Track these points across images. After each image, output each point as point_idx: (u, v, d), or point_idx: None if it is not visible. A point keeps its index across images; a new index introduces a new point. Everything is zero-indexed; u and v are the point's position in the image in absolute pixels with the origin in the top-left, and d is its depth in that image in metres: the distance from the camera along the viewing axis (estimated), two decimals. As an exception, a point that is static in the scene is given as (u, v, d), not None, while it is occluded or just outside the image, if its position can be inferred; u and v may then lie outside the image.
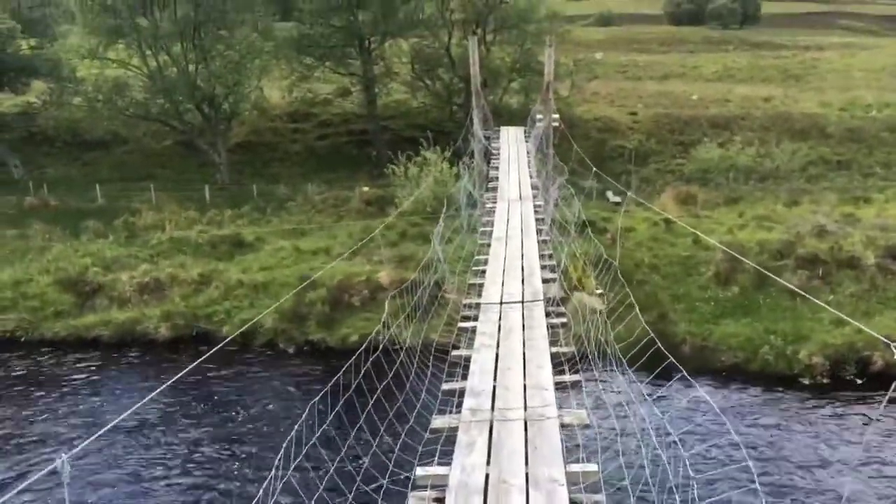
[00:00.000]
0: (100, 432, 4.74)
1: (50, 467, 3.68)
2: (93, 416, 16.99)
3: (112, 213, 32.83)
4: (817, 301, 9.16)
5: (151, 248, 27.86)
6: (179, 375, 5.63)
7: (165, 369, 19.87)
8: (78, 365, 20.42)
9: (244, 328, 11.21)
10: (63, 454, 3.59)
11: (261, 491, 4.60)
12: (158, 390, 5.76)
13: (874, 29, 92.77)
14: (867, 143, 42.14)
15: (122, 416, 4.83)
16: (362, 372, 6.58)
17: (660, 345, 6.39)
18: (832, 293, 20.85)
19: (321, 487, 5.52)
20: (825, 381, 17.76)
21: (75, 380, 19.35)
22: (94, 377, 19.57)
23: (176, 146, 42.89)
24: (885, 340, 4.53)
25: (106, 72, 41.42)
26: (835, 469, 13.51)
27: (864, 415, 16.01)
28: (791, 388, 17.48)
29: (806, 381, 17.79)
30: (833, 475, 13.24)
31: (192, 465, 14.30)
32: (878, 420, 15.35)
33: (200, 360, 6.24)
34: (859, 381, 17.55)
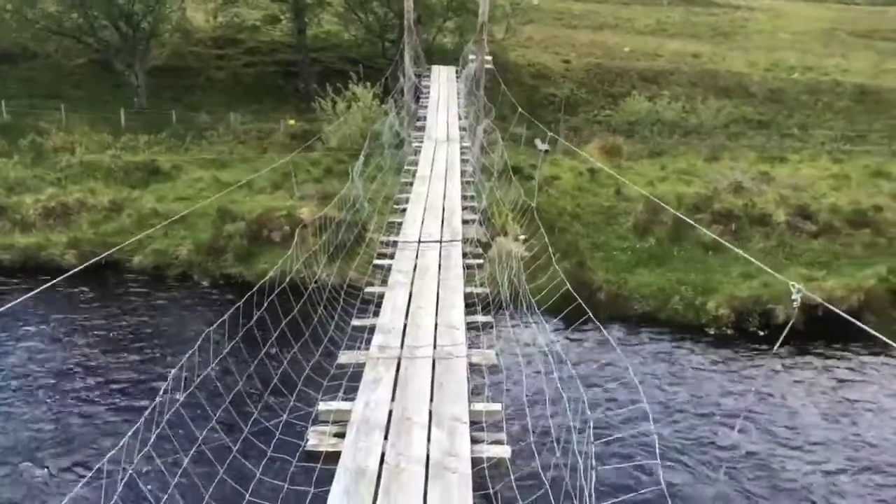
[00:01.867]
0: None
1: None
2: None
3: (18, 131, 30.95)
4: (735, 248, 9.38)
5: (60, 171, 26.45)
6: (22, 299, 5.27)
7: (70, 296, 19.11)
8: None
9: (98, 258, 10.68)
10: None
11: (145, 413, 4.36)
12: (16, 302, 5.34)
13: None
14: (787, 104, 43.42)
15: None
16: (265, 303, 6.35)
17: (570, 288, 6.41)
18: (742, 248, 21.55)
19: (214, 418, 5.33)
20: (730, 331, 18.45)
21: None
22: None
23: (90, 65, 40.52)
24: (792, 283, 4.62)
25: (15, -20, 38.52)
26: (728, 411, 14.14)
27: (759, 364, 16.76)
28: (698, 336, 18.11)
29: (712, 331, 18.45)
30: (726, 418, 13.85)
31: (74, 394, 13.85)
32: (775, 355, 16.09)
33: (59, 279, 5.85)
34: (762, 333, 18.31)
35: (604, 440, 5.72)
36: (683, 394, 14.86)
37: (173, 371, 4.73)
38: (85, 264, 6.29)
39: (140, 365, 15.19)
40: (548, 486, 4.85)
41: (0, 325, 17.30)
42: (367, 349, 7.08)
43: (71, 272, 5.95)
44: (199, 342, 5.07)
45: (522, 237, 18.81)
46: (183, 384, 4.89)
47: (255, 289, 6.28)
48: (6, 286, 19.83)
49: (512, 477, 4.98)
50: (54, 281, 5.53)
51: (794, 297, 4.35)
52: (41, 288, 5.23)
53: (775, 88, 44.66)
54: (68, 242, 21.44)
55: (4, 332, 16.91)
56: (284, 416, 5.72)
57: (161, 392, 4.58)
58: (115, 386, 14.25)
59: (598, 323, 6.48)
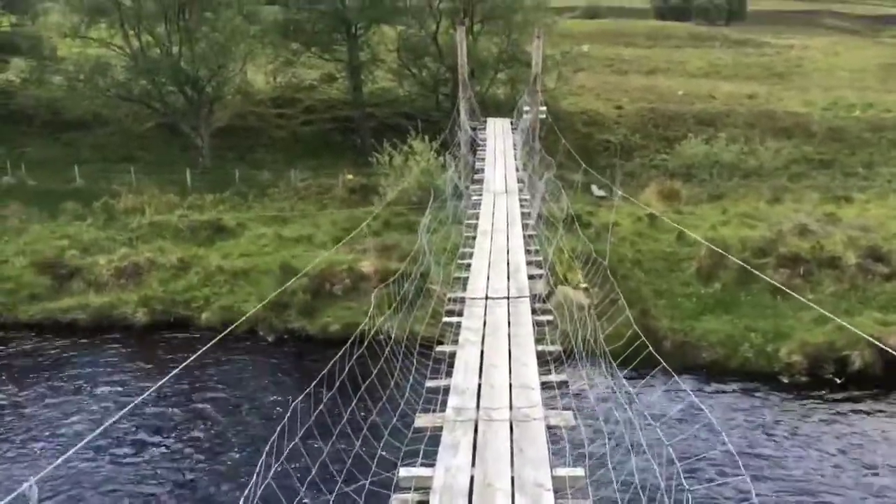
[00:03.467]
0: (72, 451, 4.57)
1: (18, 490, 3.48)
2: (69, 408, 16.65)
3: (91, 194, 32.31)
4: (801, 297, 9.11)
5: (130, 232, 27.47)
6: (168, 378, 5.46)
7: (143, 357, 19.62)
8: (53, 350, 20.07)
9: (237, 324, 10.92)
10: (32, 478, 3.41)
11: (246, 491, 4.46)
12: (143, 397, 5.57)
13: (858, 29, 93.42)
14: (849, 142, 42.44)
15: (95, 433, 4.65)
16: (346, 368, 6.43)
17: (651, 349, 6.29)
18: (812, 292, 20.93)
19: (304, 487, 5.38)
20: (804, 379, 17.84)
21: (52, 367, 19.02)
22: (72, 363, 19.25)
23: (158, 128, 42.25)
24: (868, 338, 4.46)
25: (87, 51, 40.71)
26: (853, 475, 13.47)
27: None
28: (771, 385, 17.53)
29: (785, 380, 17.87)
30: (853, 481, 13.20)
31: (166, 465, 14.06)
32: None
33: (196, 354, 6.05)
34: (838, 381, 17.64)
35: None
36: (778, 457, 14.28)
37: (265, 451, 4.81)
38: (226, 331, 6.45)
39: (224, 432, 15.36)
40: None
41: (80, 383, 17.86)
42: (443, 411, 7.05)
43: (219, 337, 6.16)
44: (287, 414, 5.16)
45: (584, 285, 18.65)
46: (275, 455, 4.96)
47: (335, 358, 6.36)
48: (82, 345, 20.50)
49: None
50: (217, 338, 5.73)
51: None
52: (209, 344, 5.43)
53: (836, 127, 43.76)
54: (139, 300, 22.12)
55: (88, 390, 17.43)
56: (366, 483, 5.72)
57: (258, 467, 4.65)
58: (201, 456, 14.41)
59: (682, 384, 6.35)
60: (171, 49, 39.21)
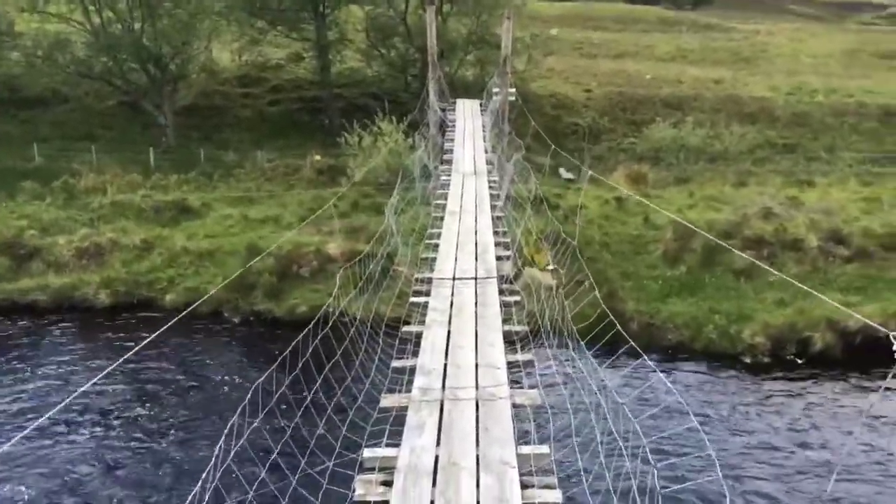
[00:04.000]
0: (24, 432, 4.43)
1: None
2: (28, 390, 16.29)
3: (51, 173, 31.55)
4: (779, 273, 9.15)
5: (92, 212, 26.89)
6: (129, 355, 5.31)
7: (105, 338, 19.27)
8: (11, 331, 19.63)
9: (198, 303, 10.71)
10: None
11: (204, 474, 4.36)
12: (104, 373, 5.42)
13: (823, 15, 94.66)
14: (812, 127, 43.08)
15: (53, 411, 4.51)
16: (310, 349, 6.34)
17: (619, 327, 6.30)
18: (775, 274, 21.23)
19: (265, 469, 5.29)
20: (766, 359, 18.12)
21: (10, 347, 18.60)
22: (31, 346, 18.83)
23: (120, 106, 41.33)
24: (885, 330, 4.46)
25: (46, 26, 39.57)
26: (820, 456, 13.69)
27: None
28: (734, 366, 17.80)
29: (748, 360, 18.13)
30: (817, 463, 13.41)
31: (128, 444, 13.84)
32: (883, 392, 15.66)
33: (156, 334, 5.91)
34: (799, 361, 17.96)
35: (669, 489, 5.57)
36: (732, 427, 14.53)
37: (224, 432, 4.71)
38: (186, 310, 6.33)
39: (186, 414, 15.16)
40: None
41: (39, 365, 17.49)
42: (409, 391, 7.01)
43: (182, 314, 6.02)
44: (248, 395, 5.06)
45: (551, 267, 18.71)
46: (234, 438, 4.86)
47: (299, 338, 6.26)
48: (42, 326, 20.08)
49: (566, 524, 4.86)
50: (177, 318, 5.64)
51: (896, 347, 4.14)
52: (169, 324, 5.32)
53: (799, 112, 44.38)
54: (101, 282, 21.70)
55: (47, 372, 17.07)
56: (330, 464, 5.66)
57: (216, 451, 4.55)
58: (163, 436, 14.22)
59: (651, 363, 6.36)
60: (132, 25, 38.29)
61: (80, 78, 39.04)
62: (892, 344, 4.04)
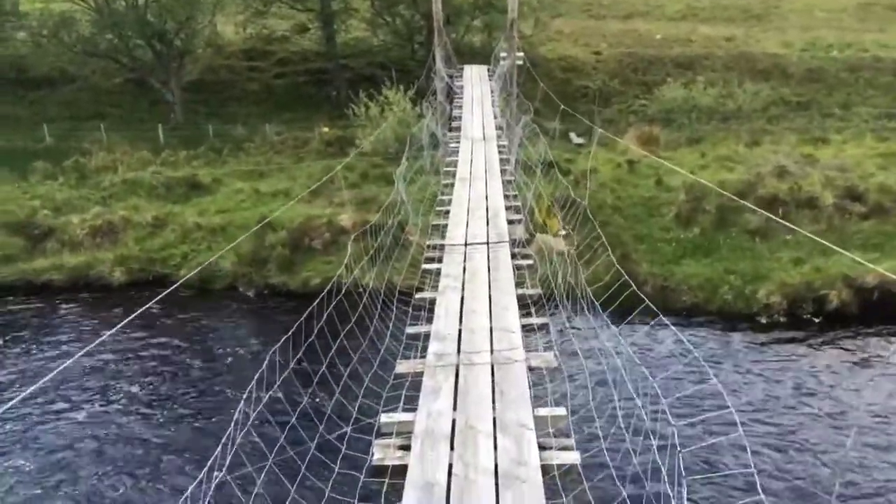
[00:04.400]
0: (16, 399, 4.46)
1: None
2: (41, 364, 16.51)
3: (61, 153, 31.64)
4: (797, 229, 9.04)
5: (103, 191, 27.00)
6: (129, 319, 5.33)
7: (120, 315, 19.41)
8: (28, 310, 19.82)
9: (198, 270, 10.77)
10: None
11: (224, 439, 4.39)
12: (100, 340, 5.44)
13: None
14: (827, 83, 42.39)
15: (48, 377, 4.53)
16: (324, 317, 6.33)
17: (634, 286, 6.24)
18: (791, 232, 21.04)
19: (282, 437, 5.32)
20: (782, 319, 18.03)
21: (26, 325, 18.79)
22: (47, 323, 19.02)
23: (127, 84, 41.27)
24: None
25: (51, 6, 39.45)
26: (829, 421, 13.66)
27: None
28: (750, 326, 17.72)
29: (763, 320, 18.05)
30: (834, 418, 13.38)
31: (145, 417, 14.01)
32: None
33: (152, 302, 5.93)
34: (816, 320, 17.86)
35: (689, 447, 5.56)
36: (754, 385, 14.52)
37: (243, 396, 4.73)
38: (183, 278, 6.31)
39: (204, 384, 15.32)
40: (625, 494, 4.71)
41: (59, 341, 17.69)
42: (424, 357, 7.00)
43: (176, 284, 6.04)
44: (265, 363, 5.06)
45: (563, 232, 18.63)
46: (253, 404, 4.89)
47: (313, 305, 6.26)
48: (58, 305, 20.26)
49: (585, 484, 4.85)
50: (168, 290, 5.66)
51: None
52: (160, 297, 5.34)
53: (813, 68, 43.64)
54: (115, 260, 21.83)
55: (64, 348, 17.27)
56: (348, 430, 5.67)
57: (235, 416, 4.57)
58: (182, 406, 14.40)
59: (666, 320, 6.31)
60: (136, 1, 38.03)
61: (87, 56, 38.94)
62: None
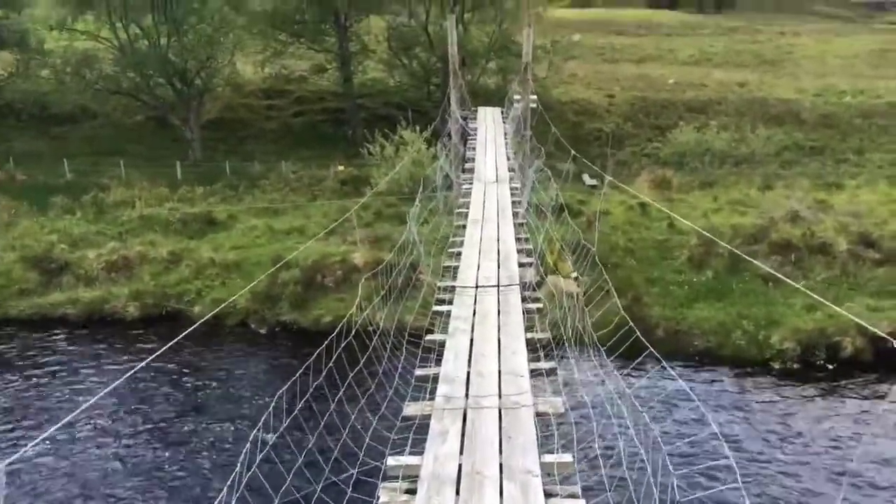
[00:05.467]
0: (45, 434, 4.54)
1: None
2: (57, 400, 16.59)
3: (80, 188, 32.15)
4: (794, 283, 9.12)
5: (121, 226, 27.37)
6: (146, 362, 5.41)
7: (135, 350, 19.53)
8: (44, 345, 19.98)
9: (217, 310, 10.86)
10: (1, 462, 3.35)
11: (230, 480, 4.44)
12: (122, 378, 5.53)
13: (849, 15, 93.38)
14: (840, 129, 42.51)
15: (63, 421, 4.61)
16: (333, 358, 6.40)
17: (639, 334, 6.28)
18: (804, 278, 20.97)
19: (287, 480, 5.35)
20: (796, 366, 17.87)
21: (42, 361, 18.92)
22: (61, 358, 19.15)
23: (147, 121, 42.05)
24: (888, 337, 4.41)
25: (74, 44, 40.46)
26: (830, 470, 13.49)
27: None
28: (763, 373, 17.57)
29: (777, 366, 17.90)
30: (829, 476, 13.21)
31: (157, 453, 14.03)
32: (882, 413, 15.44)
33: (173, 342, 6.01)
34: (830, 367, 17.69)
35: (688, 498, 5.55)
36: (766, 443, 14.31)
37: (250, 438, 4.79)
38: (203, 318, 6.42)
39: (211, 422, 15.34)
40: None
41: (70, 377, 17.79)
42: (433, 399, 7.02)
43: (202, 320, 6.12)
44: (272, 406, 5.12)
45: (574, 275, 18.63)
46: (259, 445, 4.94)
47: (322, 346, 6.33)
48: (73, 339, 20.41)
49: (590, 533, 4.84)
50: (195, 325, 5.75)
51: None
52: (187, 332, 5.44)
53: (827, 113, 43.83)
54: (130, 295, 22.02)
55: (82, 384, 17.36)
56: (354, 472, 5.69)
57: (241, 457, 4.62)
58: (191, 444, 14.41)
59: (671, 371, 6.33)
60: (158, 41, 38.96)
61: (109, 94, 39.78)
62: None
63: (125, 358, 19.11)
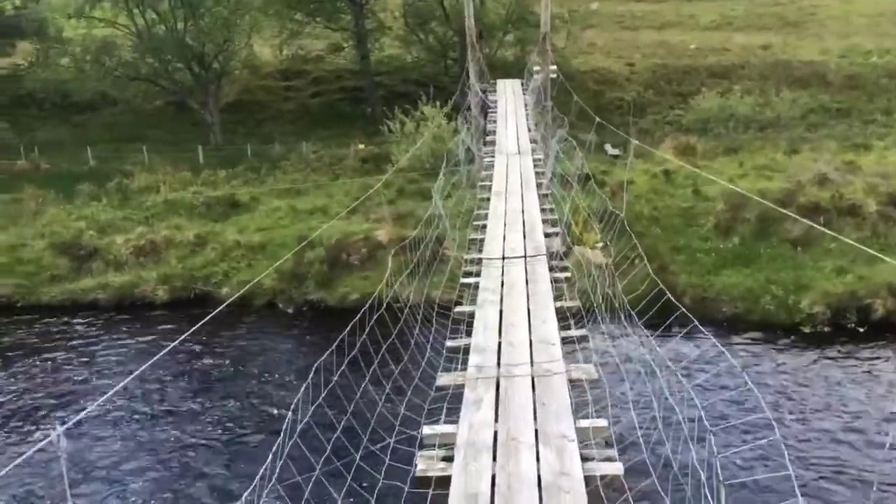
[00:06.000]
0: (93, 405, 4.64)
1: (45, 441, 3.53)
2: (93, 381, 16.91)
3: (104, 175, 32.50)
4: (842, 237, 8.94)
5: (146, 211, 27.65)
6: (180, 339, 5.50)
7: (165, 332, 19.81)
8: (77, 329, 20.34)
9: (244, 290, 10.98)
10: (58, 426, 3.44)
11: (269, 455, 4.51)
12: (157, 357, 5.63)
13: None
14: (867, 89, 41.68)
15: (115, 389, 4.72)
16: (366, 330, 6.45)
17: (670, 296, 6.27)
18: (834, 241, 20.67)
19: (328, 449, 5.43)
20: (827, 329, 17.69)
21: (75, 345, 19.27)
22: (94, 341, 19.49)
23: (167, 106, 42.30)
24: None
25: (93, 31, 40.72)
26: (856, 415, 13.45)
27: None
28: (793, 336, 17.43)
29: (807, 330, 17.73)
30: (858, 422, 13.17)
31: (194, 432, 14.26)
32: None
33: (202, 322, 6.10)
34: (861, 330, 17.50)
35: (725, 452, 5.55)
36: (799, 397, 14.28)
37: (291, 408, 4.86)
38: (231, 298, 6.51)
39: (249, 398, 15.55)
40: (668, 502, 4.72)
41: (103, 360, 18.12)
42: (465, 370, 7.06)
43: (226, 303, 6.22)
44: (310, 376, 5.18)
45: (600, 244, 18.56)
46: (300, 416, 5.01)
47: (355, 319, 6.38)
48: (104, 323, 20.74)
49: (629, 494, 4.86)
50: (223, 305, 5.84)
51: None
52: (215, 311, 5.54)
53: (853, 74, 42.95)
54: (159, 278, 22.29)
55: (115, 367, 17.68)
56: (391, 441, 5.76)
57: (283, 429, 4.70)
58: (231, 420, 14.63)
59: (704, 331, 6.32)
60: (175, 25, 39.07)
61: (128, 80, 40.02)
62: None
63: (155, 339, 19.39)
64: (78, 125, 41.11)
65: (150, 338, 19.53)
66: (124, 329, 20.29)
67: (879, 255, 6.20)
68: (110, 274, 22.92)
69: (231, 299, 7.08)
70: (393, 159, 30.44)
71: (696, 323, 6.06)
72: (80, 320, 20.91)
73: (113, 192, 30.07)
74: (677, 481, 4.95)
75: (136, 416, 14.88)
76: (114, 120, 41.58)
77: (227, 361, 17.57)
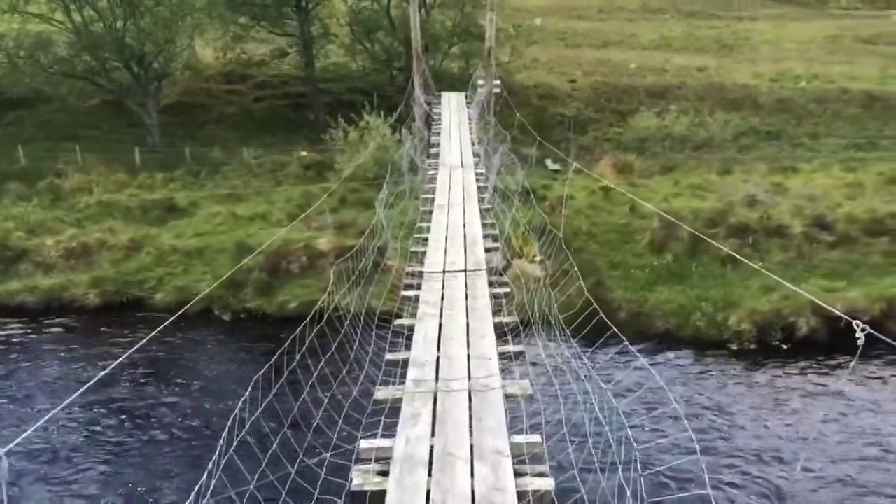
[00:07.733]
0: (40, 422, 4.55)
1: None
2: (23, 392, 16.31)
3: (36, 174, 31.43)
4: (753, 265, 9.34)
5: (79, 212, 26.87)
6: (130, 352, 5.41)
7: (96, 338, 19.28)
8: (1, 333, 19.61)
9: (197, 299, 10.69)
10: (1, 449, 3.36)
11: (205, 472, 4.50)
12: (104, 373, 5.52)
13: (805, 1, 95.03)
14: (796, 113, 43.39)
15: (64, 404, 4.63)
16: (306, 344, 6.47)
17: (603, 315, 6.45)
18: (761, 260, 21.49)
19: (263, 464, 5.42)
20: (752, 346, 18.36)
21: (1, 350, 18.59)
22: (20, 348, 18.81)
23: (104, 105, 41.09)
24: (856, 322, 4.60)
25: (27, 27, 39.27)
26: (777, 435, 13.98)
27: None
28: (721, 353, 18.02)
29: (734, 347, 18.36)
30: (777, 442, 13.69)
31: (129, 446, 13.92)
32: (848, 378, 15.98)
33: (156, 331, 6.03)
34: (784, 347, 18.21)
35: (650, 471, 5.75)
36: (717, 412, 14.77)
37: (229, 421, 4.85)
38: (181, 311, 6.41)
39: (184, 410, 15.24)
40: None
41: (31, 368, 17.50)
42: (403, 383, 7.14)
43: (180, 312, 6.10)
44: (248, 390, 5.18)
45: (539, 258, 18.89)
46: (237, 429, 5.00)
47: (295, 332, 6.39)
48: (32, 328, 20.05)
49: (559, 510, 5.01)
50: (179, 313, 5.68)
51: (857, 335, 4.36)
52: (171, 319, 5.44)
53: (783, 98, 44.68)
54: (90, 282, 21.69)
55: (39, 376, 17.09)
56: (328, 456, 5.78)
57: (219, 444, 4.68)
58: (166, 432, 14.31)
59: (635, 352, 6.53)
60: (114, 24, 38.03)
61: (64, 77, 38.71)
62: (857, 331, 4.21)
63: (88, 346, 18.84)
64: (10, 123, 39.56)
65: (81, 345, 18.96)
66: (53, 335, 19.65)
67: (786, 283, 6.52)
68: (39, 276, 22.19)
69: (185, 307, 6.97)
70: (336, 167, 30.31)
71: (627, 343, 6.26)
72: (9, 322, 20.15)
73: (44, 192, 29.12)
74: (605, 498, 5.12)
75: (68, 430, 14.42)
76: (48, 118, 40.19)
77: (162, 371, 17.19)
